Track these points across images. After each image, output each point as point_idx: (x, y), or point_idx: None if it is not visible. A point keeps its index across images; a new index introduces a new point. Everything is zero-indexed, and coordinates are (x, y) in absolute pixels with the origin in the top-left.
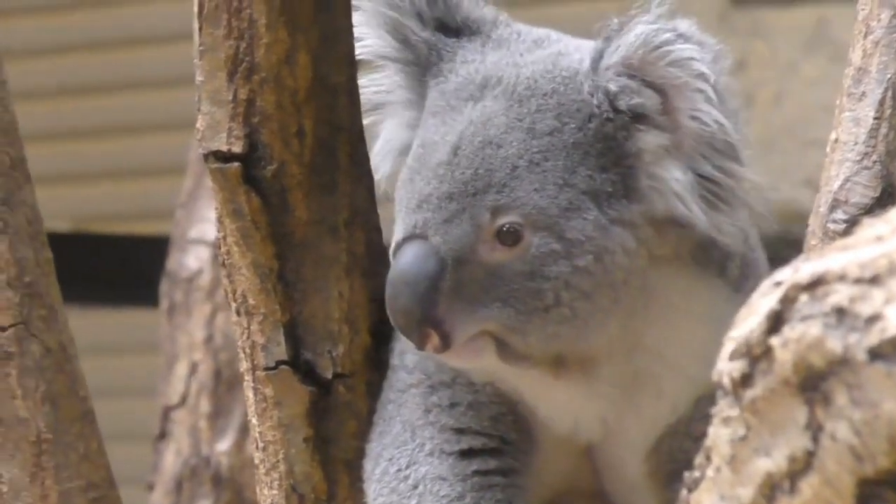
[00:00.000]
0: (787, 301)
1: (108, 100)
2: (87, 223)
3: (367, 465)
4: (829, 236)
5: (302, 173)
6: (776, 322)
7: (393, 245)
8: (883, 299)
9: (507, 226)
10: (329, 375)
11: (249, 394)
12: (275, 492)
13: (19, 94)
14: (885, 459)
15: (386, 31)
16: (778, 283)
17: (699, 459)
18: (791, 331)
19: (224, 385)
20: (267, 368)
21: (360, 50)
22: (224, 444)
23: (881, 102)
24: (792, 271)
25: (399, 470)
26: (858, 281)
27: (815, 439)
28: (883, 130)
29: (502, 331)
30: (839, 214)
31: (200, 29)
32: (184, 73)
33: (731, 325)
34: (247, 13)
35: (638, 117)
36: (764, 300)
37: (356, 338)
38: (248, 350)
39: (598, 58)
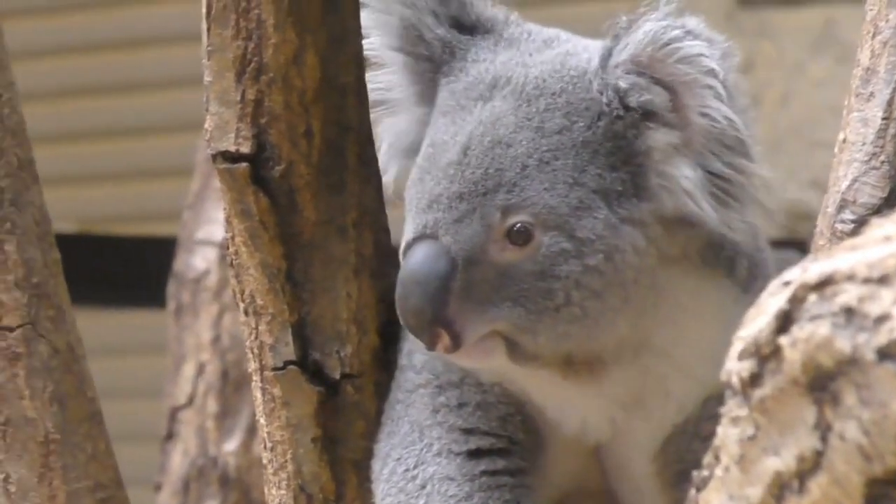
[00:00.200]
0: (796, 301)
1: (115, 101)
2: (94, 224)
3: (375, 465)
4: (837, 236)
5: (310, 174)
6: (785, 322)
7: (403, 245)
8: (891, 299)
9: (517, 225)
10: (337, 376)
11: (257, 394)
12: (283, 492)
13: (26, 96)
14: (894, 459)
15: (402, 27)
16: (787, 283)
17: (708, 459)
18: (800, 330)
19: (231, 385)
20: (275, 368)
21: (374, 45)
22: (231, 445)
23: (889, 103)
24: (800, 271)
25: (407, 470)
26: (867, 281)
27: (824, 439)
28: (891, 131)
29: (513, 331)
30: (847, 215)
31: (209, 29)
32: (191, 74)
33: (739, 326)
34: (255, 14)
35: (648, 115)
36: (773, 300)
37: (364, 338)
38: (256, 350)
39: (606, 56)
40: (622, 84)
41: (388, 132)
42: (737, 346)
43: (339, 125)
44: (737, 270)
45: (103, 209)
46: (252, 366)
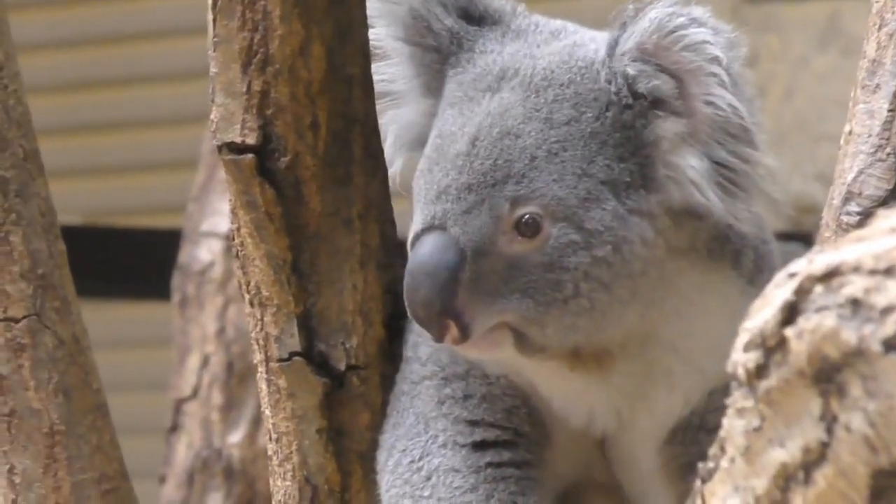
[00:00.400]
0: (802, 292)
1: (120, 93)
2: (99, 216)
3: (381, 456)
4: (843, 228)
5: (316, 165)
6: (791, 313)
7: (411, 236)
8: None
9: (526, 217)
10: (343, 367)
11: (263, 385)
12: (288, 483)
13: (32, 88)
14: None
15: (410, 17)
16: (793, 275)
17: (713, 450)
18: (806, 322)
19: (236, 377)
20: (280, 360)
21: (380, 36)
22: (236, 437)
23: (895, 95)
24: (806, 263)
25: (412, 461)
26: (873, 272)
27: (830, 430)
28: None
29: (521, 322)
30: (853, 206)
31: (215, 21)
32: (196, 66)
33: (745, 317)
34: (261, 5)
35: (656, 103)
36: (779, 291)
37: (370, 330)
38: (261, 342)
39: (613, 45)
40: (630, 70)
41: (393, 124)
42: (743, 337)
43: (345, 117)
44: (743, 263)
45: (109, 201)
46: (257, 357)
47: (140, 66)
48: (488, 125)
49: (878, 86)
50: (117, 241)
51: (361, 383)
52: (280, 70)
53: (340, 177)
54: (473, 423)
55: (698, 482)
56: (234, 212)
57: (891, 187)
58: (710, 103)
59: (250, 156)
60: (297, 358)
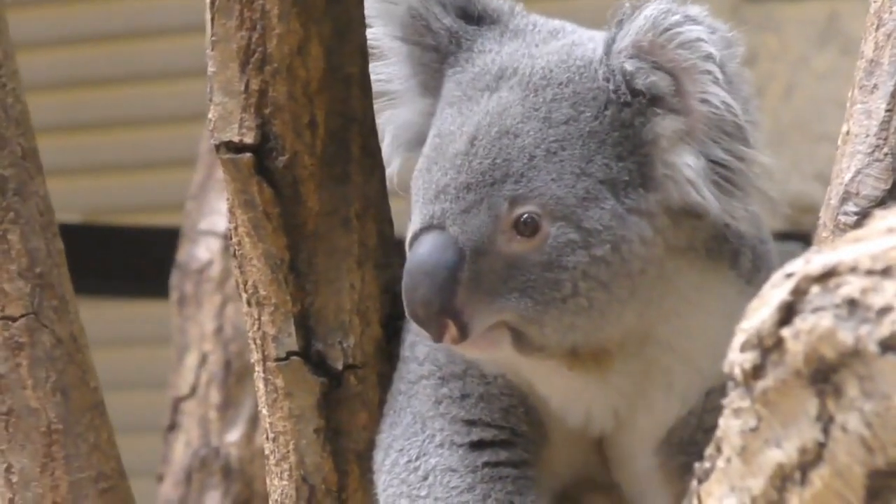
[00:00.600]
0: (799, 292)
1: (119, 91)
2: (98, 215)
3: (378, 456)
4: (841, 228)
5: (314, 164)
6: (788, 313)
7: (409, 235)
8: (894, 291)
9: (524, 216)
10: (340, 366)
11: (260, 385)
12: (285, 482)
13: (31, 86)
14: None
15: (409, 16)
16: (789, 275)
17: (710, 450)
18: (802, 322)
19: (234, 376)
20: (278, 359)
21: (378, 35)
22: (234, 435)
23: (893, 95)
24: (803, 263)
25: (409, 461)
26: (870, 272)
27: (826, 431)
28: (894, 123)
29: (519, 321)
30: (850, 207)
31: (213, 20)
32: (195, 64)
33: (742, 318)
34: (259, 4)
35: (654, 100)
36: (775, 291)
37: (367, 329)
38: (258, 341)
39: (610, 42)
40: (628, 67)
41: (390, 124)
42: (739, 337)
43: (344, 116)
44: (741, 262)
45: (108, 200)
46: (255, 356)
47: (139, 65)
48: (487, 124)
49: (875, 86)
50: (116, 240)
51: (359, 383)
52: (278, 69)
53: (338, 176)
54: (470, 423)
55: (695, 482)
56: (231, 211)
57: (888, 187)
58: (704, 101)
59: (248, 155)
60: (294, 357)
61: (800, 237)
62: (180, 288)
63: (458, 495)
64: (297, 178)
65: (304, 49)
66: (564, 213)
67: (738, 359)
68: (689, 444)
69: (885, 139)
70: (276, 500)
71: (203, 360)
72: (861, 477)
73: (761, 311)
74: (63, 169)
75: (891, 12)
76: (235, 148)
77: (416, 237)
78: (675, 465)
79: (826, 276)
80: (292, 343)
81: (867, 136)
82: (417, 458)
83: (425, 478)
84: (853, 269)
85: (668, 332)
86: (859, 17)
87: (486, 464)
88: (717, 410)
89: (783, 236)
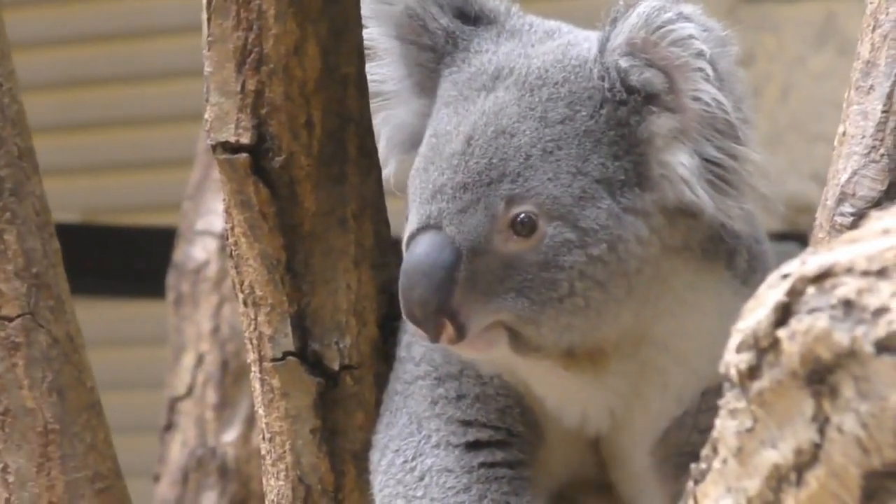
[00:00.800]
0: (795, 293)
1: (116, 91)
2: (96, 215)
3: (374, 456)
4: (837, 229)
5: (310, 164)
6: (783, 314)
7: (406, 235)
8: (890, 292)
9: (521, 216)
10: (336, 367)
11: (256, 385)
12: (281, 483)
13: (28, 86)
14: (892, 452)
15: (406, 16)
16: (785, 276)
17: (706, 451)
18: (798, 323)
19: (230, 376)
20: (274, 359)
21: (374, 35)
22: (230, 436)
23: (889, 96)
24: (799, 264)
25: (405, 461)
26: (866, 273)
27: (822, 432)
28: (891, 124)
29: (516, 321)
30: (846, 207)
31: (209, 20)
32: (192, 64)
33: (738, 318)
34: (256, 4)
35: (650, 98)
36: (771, 292)
37: (364, 329)
38: (255, 341)
39: (604, 40)
40: (622, 64)
41: (385, 124)
42: (735, 338)
43: (340, 116)
44: (737, 263)
45: (105, 199)
46: (251, 357)
47: (135, 65)
48: (483, 124)
49: (871, 87)
50: (112, 240)
51: (355, 383)
52: (275, 69)
53: (335, 176)
54: (467, 424)
55: (691, 483)
56: (228, 211)
57: (884, 188)
58: (696, 98)
59: (244, 155)
60: (290, 357)
61: (797, 237)
62: (177, 288)
63: (454, 496)
64: (293, 179)
65: (301, 49)
66: (561, 212)
67: (733, 359)
68: (684, 444)
69: (882, 140)
70: (273, 501)
71: (199, 360)
72: (857, 478)
73: (757, 311)
74: (60, 169)
75: (887, 13)
76: (232, 148)
77: (412, 237)
78: (670, 465)
79: (822, 277)
80: (288, 343)
81: (863, 137)
82: (413, 459)
83: (421, 478)
84: (849, 270)
85: (663, 332)
86: (856, 18)
87: (482, 464)
88: (713, 411)
89: (780, 236)
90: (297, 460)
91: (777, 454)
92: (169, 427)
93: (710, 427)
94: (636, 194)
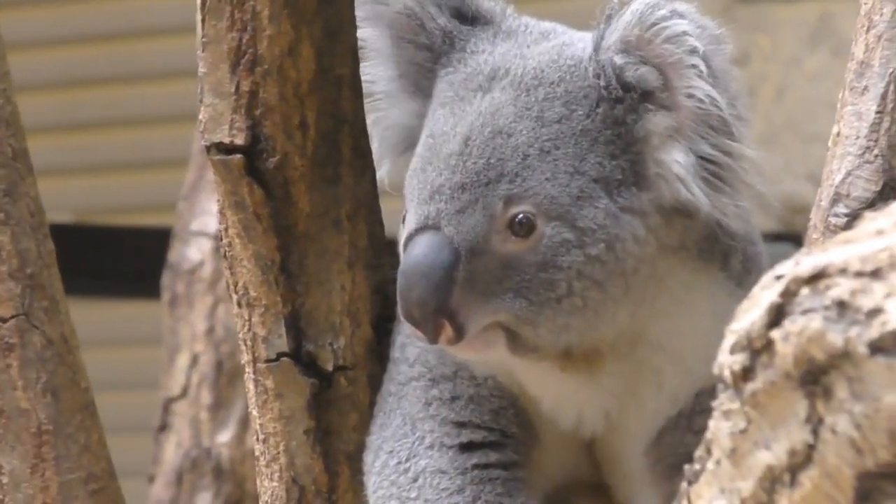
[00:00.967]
0: (789, 294)
1: (111, 92)
2: (90, 215)
3: (368, 457)
4: (831, 230)
5: (305, 165)
6: (777, 315)
7: (404, 236)
8: (884, 293)
9: (520, 216)
10: (330, 368)
11: (250, 386)
12: (275, 484)
13: (22, 87)
14: (886, 453)
15: (404, 16)
16: (779, 277)
17: (699, 452)
18: (792, 324)
19: (225, 377)
20: (268, 360)
21: (370, 36)
22: (225, 436)
23: (883, 96)
24: (793, 265)
25: (399, 463)
26: (859, 274)
27: (816, 433)
28: (885, 125)
29: (514, 322)
30: (841, 208)
31: (203, 21)
32: (187, 65)
33: (732, 319)
34: (250, 5)
35: (645, 95)
36: (765, 293)
37: (358, 330)
38: (249, 342)
39: (599, 38)
40: (617, 60)
41: (378, 126)
42: (729, 339)
43: (334, 117)
44: (731, 264)
45: (100, 200)
46: (245, 358)
47: (130, 65)
48: (480, 124)
49: (866, 87)
50: (107, 240)
51: (349, 384)
52: (269, 70)
53: (329, 177)
54: (461, 425)
55: (684, 484)
56: (222, 212)
57: (878, 189)
58: (690, 95)
59: (239, 156)
60: (284, 358)
61: (792, 238)
62: (171, 288)
63: (447, 497)
64: (287, 180)
65: (295, 50)
66: (559, 212)
67: (727, 360)
68: (679, 445)
69: (876, 141)
70: (267, 502)
71: (194, 360)
72: (850, 479)
73: (751, 312)
74: (54, 169)
75: (881, 14)
76: (226, 149)
77: (410, 238)
78: (664, 466)
79: (816, 278)
80: (282, 344)
81: (857, 137)
82: (407, 460)
83: (415, 479)
84: (843, 271)
85: (658, 332)
86: (852, 18)
87: (475, 465)
88: (707, 412)
89: (775, 237)
90: (291, 461)
91: (771, 455)
92: (163, 428)
93: (704, 428)
94: (633, 193)
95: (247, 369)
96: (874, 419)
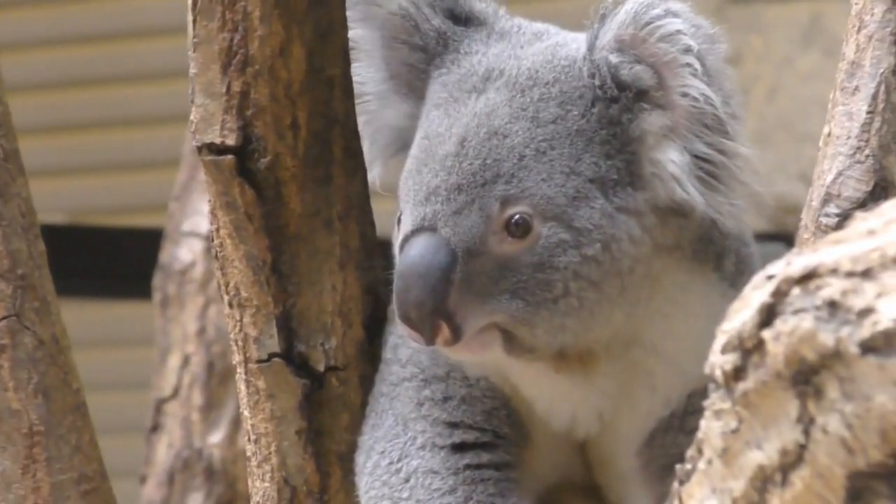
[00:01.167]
0: (780, 294)
1: (102, 92)
2: (82, 216)
3: (359, 458)
4: (822, 230)
5: (296, 166)
6: (768, 315)
7: (400, 238)
8: (875, 293)
9: (516, 217)
10: (322, 368)
11: (242, 386)
12: (267, 484)
13: (14, 87)
14: (877, 452)
15: (399, 17)
16: (770, 277)
17: (691, 452)
18: (783, 324)
19: (216, 377)
20: (259, 361)
21: (362, 38)
22: (216, 437)
23: (874, 97)
24: (784, 265)
25: (391, 463)
26: (850, 274)
27: (807, 432)
28: (876, 125)
29: (510, 323)
30: (832, 208)
31: (195, 21)
32: (178, 65)
33: (723, 320)
34: (241, 5)
35: (640, 95)
36: (756, 293)
37: (349, 331)
38: (240, 342)
39: (593, 38)
40: (612, 59)
41: (370, 127)
42: (720, 339)
43: (326, 117)
44: (725, 265)
45: (91, 200)
46: (236, 358)
47: (122, 65)
48: (475, 126)
49: (857, 88)
50: (98, 241)
51: (341, 384)
52: (260, 71)
53: (320, 177)
54: (453, 425)
55: (676, 484)
56: (213, 213)
57: (869, 189)
58: (685, 94)
59: (230, 157)
60: (276, 359)
61: (784, 238)
62: (163, 289)
63: (439, 497)
64: (279, 180)
65: (286, 51)
66: (555, 212)
67: (718, 360)
68: (671, 446)
69: (867, 141)
70: (258, 502)
71: (185, 361)
72: (842, 478)
73: (742, 312)
74: (46, 170)
75: (872, 14)
76: (217, 150)
77: (407, 239)
78: (656, 466)
79: (807, 278)
80: (274, 345)
81: (849, 137)
82: (399, 461)
83: (407, 480)
84: (834, 271)
85: (652, 334)
86: (843, 18)
87: (467, 466)
88: (699, 412)
89: (767, 237)
90: (283, 462)
91: (762, 455)
92: (155, 428)
93: (695, 428)
94: (628, 193)
95: (238, 370)
96: (865, 419)
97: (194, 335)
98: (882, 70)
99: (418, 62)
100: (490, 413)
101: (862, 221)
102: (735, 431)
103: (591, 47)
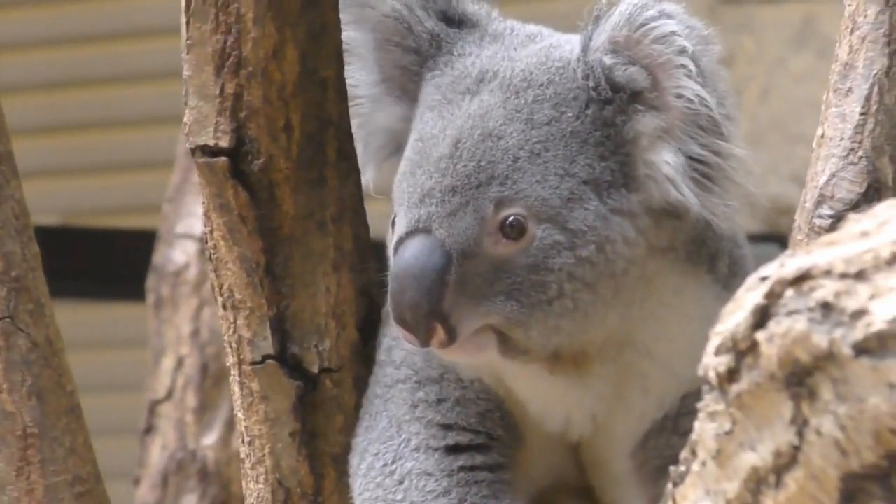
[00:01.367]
0: (773, 296)
1: (96, 94)
2: (75, 217)
3: (353, 459)
4: (815, 232)
5: (289, 168)
6: (762, 317)
7: (395, 240)
8: (868, 294)
9: (510, 218)
10: (316, 370)
11: (235, 388)
12: (261, 486)
13: (7, 88)
14: (870, 454)
15: (392, 19)
16: (764, 278)
17: (685, 454)
18: (777, 326)
19: (210, 379)
20: (253, 363)
21: (354, 40)
22: (210, 439)
23: (867, 98)
24: (778, 266)
25: (385, 465)
26: (844, 276)
27: (801, 434)
28: (869, 126)
29: (505, 324)
30: (825, 210)
31: (188, 23)
32: (172, 67)
33: (717, 321)
34: (234, 8)
35: (635, 96)
36: (750, 295)
37: (343, 332)
38: (234, 344)
39: (587, 40)
40: (606, 61)
41: (363, 130)
42: (714, 341)
43: (319, 119)
44: (718, 267)
45: (85, 202)
46: (230, 360)
47: (115, 66)
48: (470, 127)
49: (850, 89)
50: (92, 242)
51: (335, 386)
52: (253, 73)
53: (314, 179)
54: (446, 427)
55: (670, 485)
56: (207, 214)
57: (863, 191)
58: (679, 96)
59: (223, 158)
60: (269, 361)
61: (777, 239)
62: (156, 291)
63: (433, 499)
64: (272, 182)
65: (280, 53)
66: (550, 214)
67: (712, 362)
68: (664, 448)
69: (860, 142)
70: None
71: (179, 363)
72: (835, 480)
73: (736, 314)
74: (40, 171)
75: (865, 16)
76: (211, 151)
77: (401, 241)
78: (650, 468)
79: (800, 280)
80: (268, 346)
81: (842, 139)
82: (393, 462)
83: (401, 482)
84: (827, 273)
85: (646, 335)
86: (836, 20)
87: (461, 468)
88: (693, 414)
89: (760, 238)
90: (277, 463)
91: (756, 456)
92: (149, 430)
93: (689, 430)
94: (623, 195)
95: (232, 372)
96: (859, 420)
97: (188, 337)
98: (875, 72)
99: (411, 64)
100: (484, 415)
101: (855, 223)
102: (729, 433)
103: (585, 49)
